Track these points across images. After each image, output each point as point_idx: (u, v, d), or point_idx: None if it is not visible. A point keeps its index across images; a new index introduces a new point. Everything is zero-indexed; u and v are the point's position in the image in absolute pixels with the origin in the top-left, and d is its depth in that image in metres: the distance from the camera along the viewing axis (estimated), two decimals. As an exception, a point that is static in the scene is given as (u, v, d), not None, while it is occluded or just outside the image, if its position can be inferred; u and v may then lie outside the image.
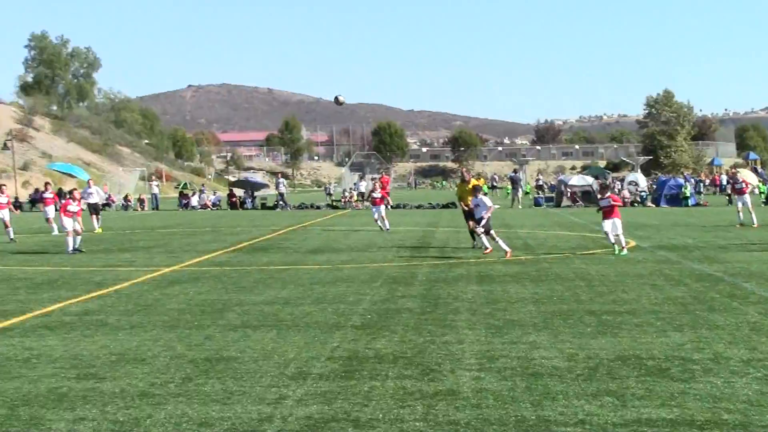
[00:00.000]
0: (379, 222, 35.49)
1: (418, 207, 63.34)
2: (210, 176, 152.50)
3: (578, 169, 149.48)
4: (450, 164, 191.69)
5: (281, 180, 72.21)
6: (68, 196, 31.86)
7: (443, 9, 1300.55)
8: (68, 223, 28.30)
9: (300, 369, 10.42)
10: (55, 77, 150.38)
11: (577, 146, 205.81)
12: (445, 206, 62.91)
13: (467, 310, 14.85)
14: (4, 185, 36.83)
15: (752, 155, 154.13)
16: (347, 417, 8.40)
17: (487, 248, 24.47)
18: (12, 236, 33.07)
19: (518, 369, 10.26)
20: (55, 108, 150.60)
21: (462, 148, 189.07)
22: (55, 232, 35.85)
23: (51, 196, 40.39)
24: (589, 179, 67.26)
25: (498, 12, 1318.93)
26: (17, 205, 56.89)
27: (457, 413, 8.47)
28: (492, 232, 24.56)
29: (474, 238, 26.87)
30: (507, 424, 8.09)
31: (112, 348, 11.88)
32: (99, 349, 11.78)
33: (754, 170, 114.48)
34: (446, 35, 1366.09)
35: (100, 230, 39.08)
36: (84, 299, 16.78)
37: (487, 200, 24.79)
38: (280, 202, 66.23)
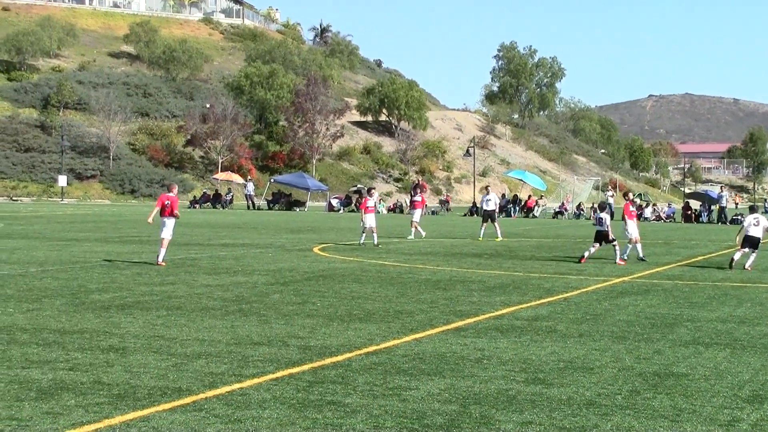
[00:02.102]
0: None
1: None
2: (665, 187, 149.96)
3: None
4: None
5: (723, 194, 68.90)
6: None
7: None
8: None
9: (755, 391, 9.86)
10: (519, 86, 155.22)
11: None
12: None
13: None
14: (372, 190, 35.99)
15: None
16: None
17: None
18: (375, 241, 32.01)
19: None
20: (516, 116, 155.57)
21: None
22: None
23: (419, 199, 40.23)
24: None
25: None
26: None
27: None
28: None
29: None
30: None
31: (561, 354, 11.96)
32: (548, 355, 11.91)
33: None
34: None
35: (498, 238, 36.89)
36: (535, 305, 17.06)
37: None
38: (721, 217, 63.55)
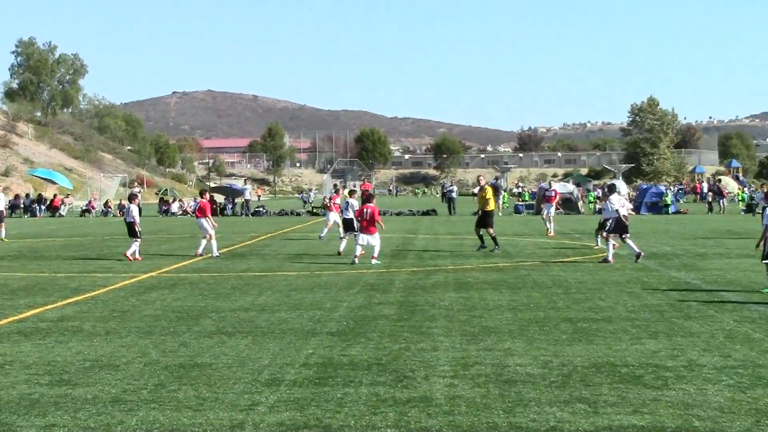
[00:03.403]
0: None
1: (398, 214, 63.29)
2: (191, 183, 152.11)
3: (560, 177, 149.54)
4: (432, 171, 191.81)
5: (247, 187, 71.92)
6: None
7: (429, 17, 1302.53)
8: None
9: (274, 376, 10.40)
10: (41, 83, 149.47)
11: (559, 154, 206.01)
12: (426, 213, 62.97)
13: (444, 317, 14.86)
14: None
15: (734, 163, 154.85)
16: (319, 423, 8.39)
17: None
18: None
19: (492, 376, 10.27)
20: (39, 114, 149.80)
21: (444, 156, 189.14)
22: None
23: None
24: (571, 187, 67.46)
25: (483, 20, 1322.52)
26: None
27: (429, 420, 8.47)
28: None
29: (483, 243, 28.29)
30: (478, 431, 8.10)
31: (87, 354, 11.83)
32: (73, 355, 11.73)
33: (736, 178, 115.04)
34: (432, 43, 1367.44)
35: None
36: (61, 305, 16.70)
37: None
38: (244, 209, 66.31)
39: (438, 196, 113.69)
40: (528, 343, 12.34)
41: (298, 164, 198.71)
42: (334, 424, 8.38)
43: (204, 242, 27.64)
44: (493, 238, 28.07)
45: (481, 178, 30.68)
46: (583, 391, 9.48)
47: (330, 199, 37.33)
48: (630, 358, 11.22)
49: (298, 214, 65.02)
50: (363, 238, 24.70)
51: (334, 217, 33.87)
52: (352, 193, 32.46)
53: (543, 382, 9.91)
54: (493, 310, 15.51)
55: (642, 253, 24.15)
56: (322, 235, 34.80)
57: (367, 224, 24.89)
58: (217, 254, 27.07)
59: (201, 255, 27.26)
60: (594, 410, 8.73)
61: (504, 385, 9.79)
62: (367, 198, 25.52)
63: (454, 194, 65.98)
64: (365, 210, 24.99)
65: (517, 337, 12.77)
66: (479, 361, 11.12)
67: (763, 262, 17.85)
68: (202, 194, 30.23)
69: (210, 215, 27.81)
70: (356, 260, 24.26)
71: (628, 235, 24.41)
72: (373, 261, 24.27)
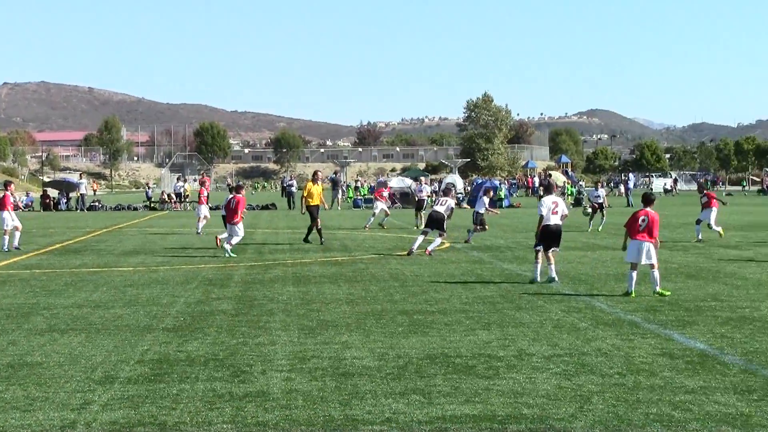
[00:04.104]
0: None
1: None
2: (23, 176, 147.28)
3: (398, 171, 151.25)
4: (272, 166, 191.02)
5: (83, 181, 70.25)
6: None
7: (268, 10, 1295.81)
8: None
9: (107, 373, 10.22)
10: None
11: (398, 148, 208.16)
12: (265, 207, 62.74)
13: (282, 311, 14.88)
14: None
15: (564, 158, 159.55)
16: (154, 421, 8.29)
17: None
18: None
19: (329, 369, 10.35)
20: None
21: (284, 150, 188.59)
22: None
23: None
24: (408, 181, 68.33)
25: (322, 14, 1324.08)
26: None
27: (266, 414, 8.49)
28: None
29: (309, 238, 29.12)
30: (315, 424, 8.16)
31: None
32: None
33: (565, 173, 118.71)
34: (272, 37, 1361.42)
35: None
36: None
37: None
38: (79, 204, 64.87)
39: (278, 190, 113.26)
40: (365, 336, 12.48)
41: (136, 158, 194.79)
42: (169, 421, 8.30)
43: (17, 235, 27.37)
44: (318, 231, 28.54)
45: (319, 173, 30.72)
46: (418, 382, 9.66)
47: (377, 189, 45.77)
48: (463, 348, 11.49)
49: (136, 209, 63.79)
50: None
51: (382, 206, 39.51)
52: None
53: (379, 375, 10.05)
54: (330, 304, 15.61)
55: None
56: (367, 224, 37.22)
57: (231, 214, 25.37)
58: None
59: (18, 248, 26.90)
60: (428, 401, 8.91)
61: (341, 378, 9.89)
62: (236, 188, 26.82)
63: (293, 189, 65.90)
64: (232, 200, 25.65)
65: (354, 331, 12.90)
66: (316, 354, 11.19)
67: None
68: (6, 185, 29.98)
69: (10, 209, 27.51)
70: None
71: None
72: (228, 247, 24.91)
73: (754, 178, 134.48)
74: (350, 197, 73.01)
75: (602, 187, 42.72)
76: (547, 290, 17.24)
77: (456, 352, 11.29)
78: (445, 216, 25.31)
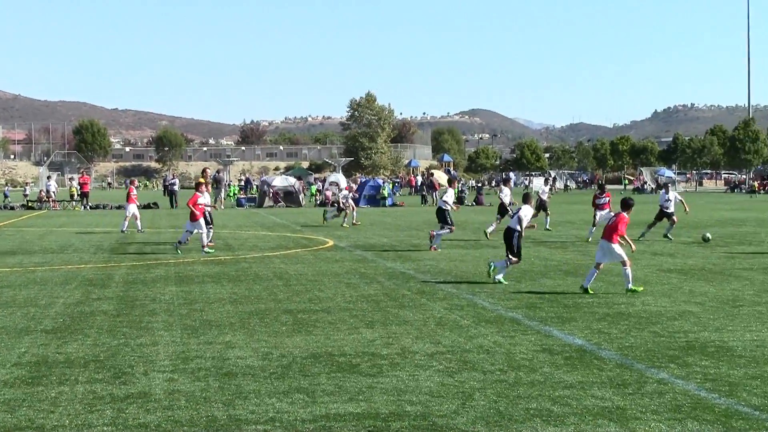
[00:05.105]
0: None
1: (119, 207, 61.75)
2: None
3: (282, 170, 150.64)
4: (153, 164, 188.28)
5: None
6: None
7: (150, 7, 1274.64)
8: None
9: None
10: None
11: (281, 147, 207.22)
12: (147, 206, 61.80)
13: (164, 311, 14.72)
14: None
15: (446, 157, 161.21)
16: (31, 425, 8.13)
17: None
18: None
19: (212, 369, 10.30)
20: None
21: (166, 148, 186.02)
22: None
23: None
24: (292, 180, 68.12)
25: (206, 13, 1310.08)
26: None
27: (147, 416, 8.40)
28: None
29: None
30: (198, 425, 8.12)
31: None
32: None
33: (447, 171, 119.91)
34: (153, 34, 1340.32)
35: None
36: None
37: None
38: None
39: (160, 189, 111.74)
40: (248, 335, 12.43)
41: (12, 156, 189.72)
42: (47, 424, 8.15)
43: None
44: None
45: (207, 170, 30.41)
46: (301, 382, 9.68)
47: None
48: (347, 347, 11.55)
49: (12, 208, 62.13)
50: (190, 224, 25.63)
51: (352, 203, 39.59)
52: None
53: (263, 374, 10.03)
54: (214, 303, 15.51)
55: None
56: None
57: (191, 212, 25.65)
58: None
59: None
60: (312, 399, 8.94)
61: (224, 378, 9.84)
62: (196, 186, 27.00)
63: (176, 187, 65.11)
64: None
65: (238, 330, 12.85)
66: (199, 354, 11.12)
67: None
68: None
69: None
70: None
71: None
72: (205, 250, 25.17)
73: (629, 177, 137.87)
74: (230, 196, 72.42)
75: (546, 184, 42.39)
76: (431, 289, 17.42)
77: (340, 350, 11.34)
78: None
